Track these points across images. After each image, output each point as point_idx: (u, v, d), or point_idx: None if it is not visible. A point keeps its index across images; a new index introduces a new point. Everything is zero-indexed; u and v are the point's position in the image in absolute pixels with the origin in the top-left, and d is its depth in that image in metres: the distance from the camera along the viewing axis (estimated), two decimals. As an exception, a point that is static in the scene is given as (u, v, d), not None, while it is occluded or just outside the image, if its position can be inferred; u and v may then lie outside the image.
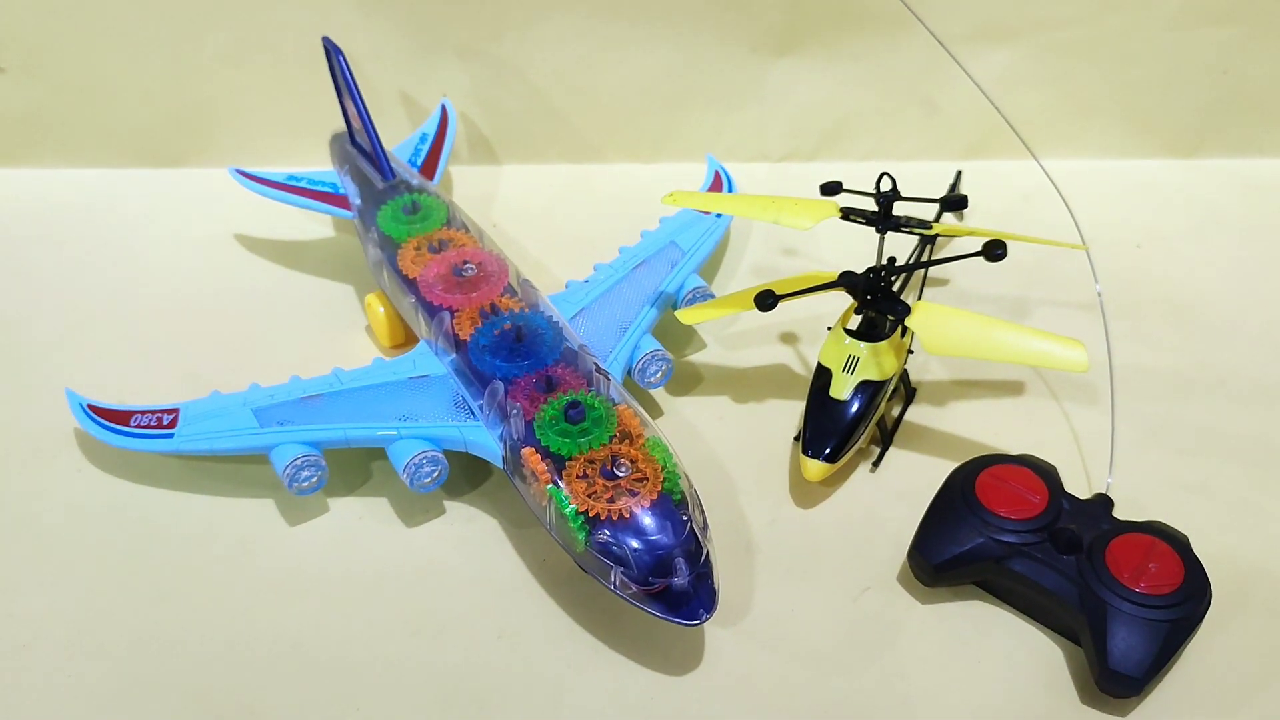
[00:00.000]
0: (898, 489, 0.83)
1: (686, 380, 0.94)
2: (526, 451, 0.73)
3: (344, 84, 0.98)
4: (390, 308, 0.93)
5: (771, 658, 0.72)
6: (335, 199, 1.02)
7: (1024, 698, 0.69)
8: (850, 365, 0.81)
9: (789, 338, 0.98)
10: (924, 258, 0.95)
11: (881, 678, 0.70)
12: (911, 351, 0.87)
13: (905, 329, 0.83)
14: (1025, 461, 0.77)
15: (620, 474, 0.71)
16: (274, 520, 0.81)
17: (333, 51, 0.97)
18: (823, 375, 0.82)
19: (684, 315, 0.88)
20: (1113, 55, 1.14)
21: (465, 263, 0.88)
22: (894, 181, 0.82)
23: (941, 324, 0.78)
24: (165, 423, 0.80)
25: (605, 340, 0.87)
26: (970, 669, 0.71)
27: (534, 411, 0.75)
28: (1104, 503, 0.75)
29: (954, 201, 0.85)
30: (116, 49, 1.12)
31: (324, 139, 1.07)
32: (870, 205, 0.83)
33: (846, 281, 0.81)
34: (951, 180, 1.14)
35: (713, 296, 0.92)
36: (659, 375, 0.87)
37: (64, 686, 0.70)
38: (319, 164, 1.07)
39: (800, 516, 0.81)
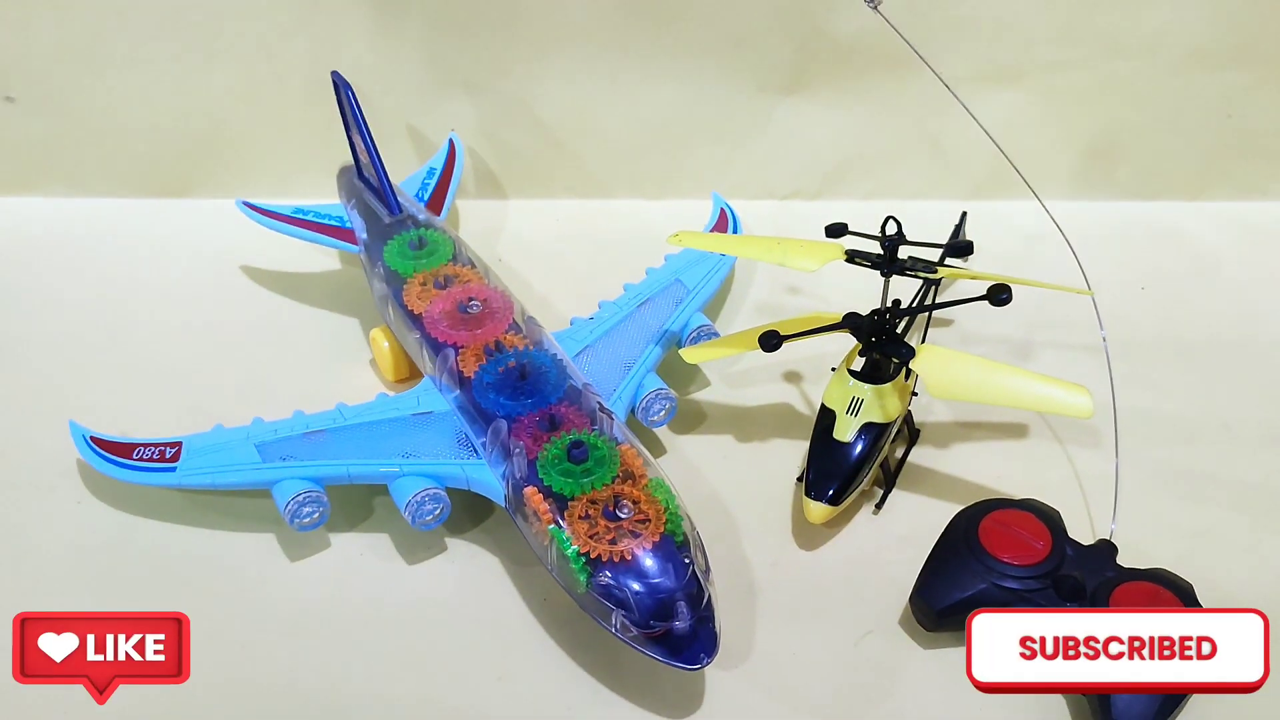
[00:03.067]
0: (900, 532, 0.82)
1: (690, 419, 0.93)
2: (529, 491, 0.73)
3: (352, 118, 0.99)
4: (395, 342, 0.93)
5: (771, 702, 0.71)
6: (342, 233, 1.02)
7: (1027, 747, 0.69)
8: (854, 407, 0.80)
9: (793, 377, 0.98)
10: (928, 299, 0.95)
11: (883, 724, 0.70)
12: (915, 393, 0.87)
13: (909, 371, 0.83)
14: (1029, 506, 0.77)
15: (622, 515, 0.70)
16: (275, 555, 0.81)
17: (341, 86, 0.98)
18: (826, 416, 0.81)
19: (688, 354, 0.88)
20: (1117, 98, 1.14)
21: (471, 299, 0.88)
22: (899, 225, 0.83)
23: (946, 368, 0.78)
24: (168, 456, 0.80)
25: (609, 378, 0.86)
26: (972, 717, 0.70)
27: (537, 450, 0.75)
28: (1108, 549, 0.75)
29: (959, 248, 0.85)
30: (126, 79, 1.12)
31: (331, 172, 1.07)
32: (875, 248, 0.84)
33: (851, 323, 0.81)
34: (956, 222, 1.14)
35: (717, 335, 0.92)
36: (662, 414, 0.86)
37: (59, 723, 0.69)
38: (326, 197, 1.08)
39: (802, 558, 0.81)
